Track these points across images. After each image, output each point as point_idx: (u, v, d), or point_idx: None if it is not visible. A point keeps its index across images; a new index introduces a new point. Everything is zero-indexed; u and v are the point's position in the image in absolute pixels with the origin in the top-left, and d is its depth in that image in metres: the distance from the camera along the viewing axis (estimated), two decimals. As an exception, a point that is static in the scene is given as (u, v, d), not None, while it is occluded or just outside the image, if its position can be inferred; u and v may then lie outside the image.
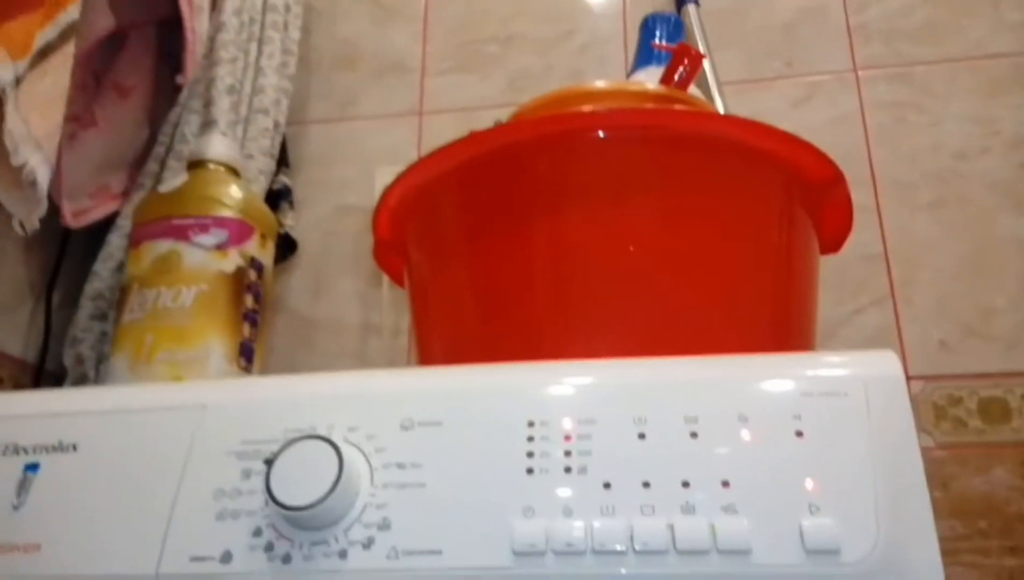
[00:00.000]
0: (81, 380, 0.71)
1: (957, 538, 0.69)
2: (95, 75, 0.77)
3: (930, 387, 0.74)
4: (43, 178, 0.59)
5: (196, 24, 0.78)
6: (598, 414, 0.37)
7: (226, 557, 0.35)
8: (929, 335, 0.76)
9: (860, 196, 0.80)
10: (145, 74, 0.82)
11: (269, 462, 0.35)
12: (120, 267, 0.73)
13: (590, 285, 0.50)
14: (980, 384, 0.74)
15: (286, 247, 0.89)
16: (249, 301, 0.64)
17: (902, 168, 0.82)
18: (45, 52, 0.59)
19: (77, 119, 0.75)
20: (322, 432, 0.37)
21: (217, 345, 0.59)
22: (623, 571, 0.34)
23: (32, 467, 0.39)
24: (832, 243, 0.59)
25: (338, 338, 0.87)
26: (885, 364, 0.38)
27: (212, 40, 0.81)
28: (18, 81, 0.57)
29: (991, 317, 0.76)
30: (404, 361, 0.84)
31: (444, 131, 0.91)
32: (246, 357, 0.63)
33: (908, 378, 0.75)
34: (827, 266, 0.60)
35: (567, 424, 0.37)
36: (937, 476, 0.71)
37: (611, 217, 0.51)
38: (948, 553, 0.69)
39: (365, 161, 0.93)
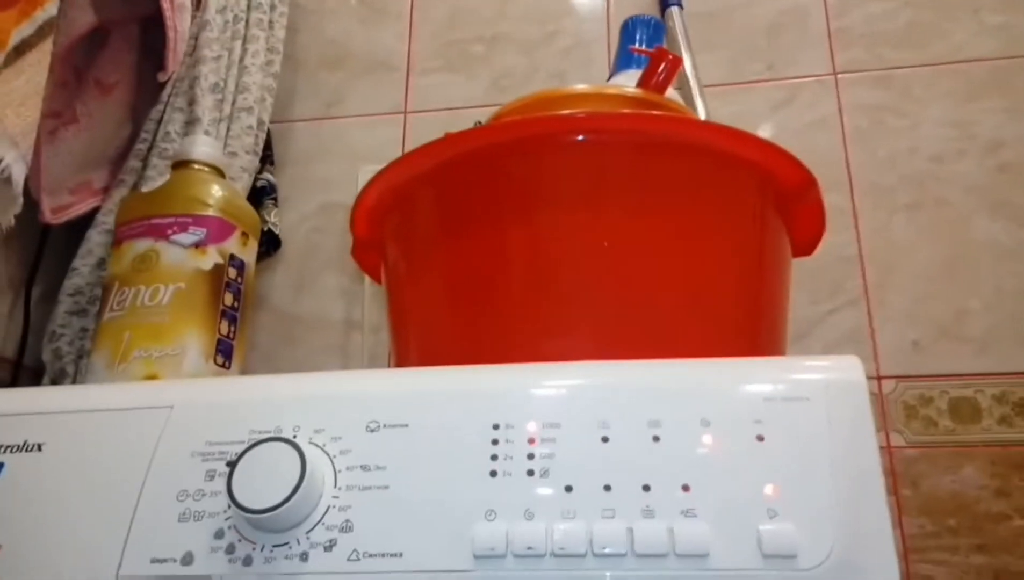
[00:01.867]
0: (60, 376, 0.71)
1: (926, 536, 0.70)
2: (76, 72, 0.77)
3: (902, 386, 0.75)
4: (18, 175, 0.59)
5: (178, 22, 0.78)
6: (562, 417, 0.38)
7: (187, 559, 0.35)
8: (903, 335, 0.76)
9: (837, 198, 0.81)
10: (127, 71, 0.82)
11: (232, 464, 0.35)
12: (100, 263, 0.73)
13: (564, 287, 0.50)
14: (951, 384, 0.74)
15: (270, 244, 0.89)
16: (228, 298, 0.64)
17: (879, 171, 0.82)
18: (21, 49, 0.59)
19: (58, 115, 0.75)
20: (287, 434, 0.37)
21: (193, 342, 0.60)
22: (582, 574, 0.34)
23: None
24: (805, 246, 0.59)
25: (321, 334, 0.87)
26: (847, 369, 0.39)
27: (196, 38, 0.81)
28: (-7, 79, 0.57)
29: (965, 319, 0.76)
30: (386, 357, 0.85)
31: (429, 130, 0.91)
32: (224, 354, 0.63)
33: (880, 378, 0.76)
34: (803, 266, 0.60)
35: (531, 427, 0.38)
36: (907, 474, 0.72)
37: (586, 220, 0.51)
38: (917, 551, 0.70)
39: (350, 159, 0.93)
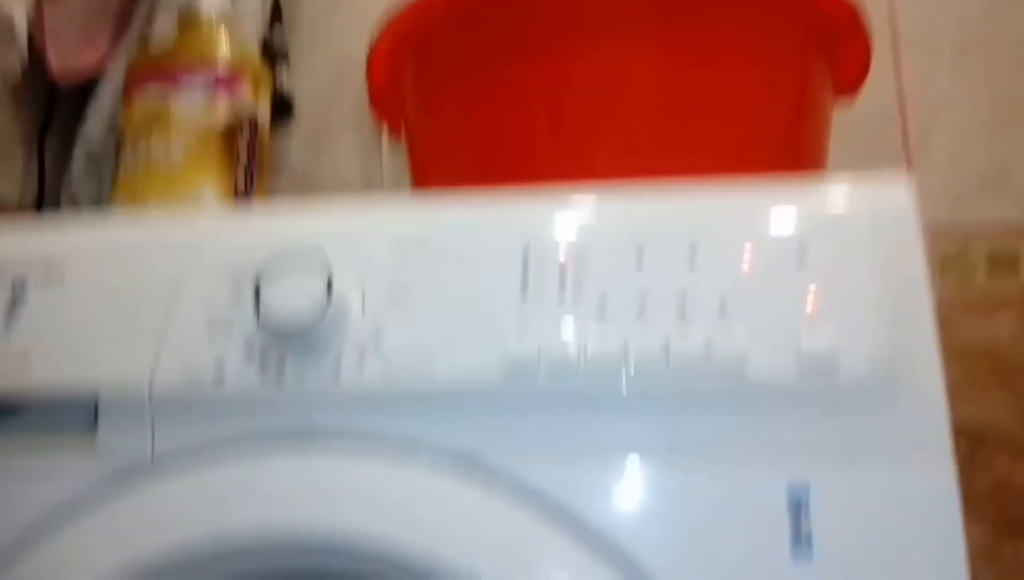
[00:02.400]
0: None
1: (961, 383, 0.70)
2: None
3: (940, 239, 0.73)
4: (20, 21, 0.57)
5: None
6: (595, 239, 0.36)
7: (219, 376, 0.35)
8: (943, 188, 0.74)
9: (879, 48, 0.77)
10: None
11: (260, 284, 0.35)
12: (110, 118, 0.72)
13: (594, 119, 0.49)
14: (990, 237, 0.73)
15: (283, 110, 0.86)
16: (242, 148, 0.63)
17: (924, 22, 0.78)
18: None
19: (58, -26, 0.72)
20: (313, 254, 0.36)
21: (209, 189, 0.60)
22: (616, 388, 0.33)
23: (21, 293, 0.38)
24: (848, 86, 0.57)
25: (339, 195, 0.85)
26: (894, 188, 0.37)
27: None
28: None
29: (1008, 172, 0.74)
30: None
31: (445, -14, 0.87)
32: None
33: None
34: (841, 120, 0.57)
35: (563, 248, 0.36)
36: (942, 324, 0.71)
37: (616, 53, 0.49)
38: (951, 396, 0.70)
39: (363, 19, 0.89)
